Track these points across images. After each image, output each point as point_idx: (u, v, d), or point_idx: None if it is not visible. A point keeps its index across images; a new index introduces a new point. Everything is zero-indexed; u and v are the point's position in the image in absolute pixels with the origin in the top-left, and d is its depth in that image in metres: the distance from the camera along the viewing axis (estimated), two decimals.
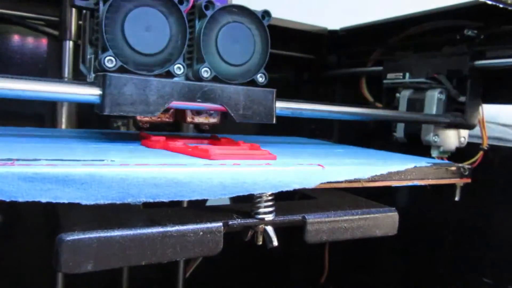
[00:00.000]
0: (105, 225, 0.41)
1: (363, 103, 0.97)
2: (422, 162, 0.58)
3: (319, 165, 0.48)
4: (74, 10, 0.85)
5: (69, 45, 0.86)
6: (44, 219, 0.80)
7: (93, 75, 0.57)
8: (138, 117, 0.57)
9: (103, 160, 0.41)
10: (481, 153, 0.77)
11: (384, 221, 0.54)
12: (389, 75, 0.89)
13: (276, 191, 0.46)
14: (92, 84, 0.52)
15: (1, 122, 0.79)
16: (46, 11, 0.86)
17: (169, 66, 0.54)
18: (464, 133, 0.81)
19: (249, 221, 0.47)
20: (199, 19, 0.57)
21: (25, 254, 0.83)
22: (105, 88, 0.50)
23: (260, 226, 0.48)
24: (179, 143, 0.54)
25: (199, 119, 0.61)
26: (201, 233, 0.44)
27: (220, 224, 0.45)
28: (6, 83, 0.47)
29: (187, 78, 0.58)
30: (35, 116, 0.87)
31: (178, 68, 0.55)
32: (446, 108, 0.79)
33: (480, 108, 0.78)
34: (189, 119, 0.60)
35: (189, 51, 0.57)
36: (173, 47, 0.55)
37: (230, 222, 0.46)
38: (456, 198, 0.61)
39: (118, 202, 0.39)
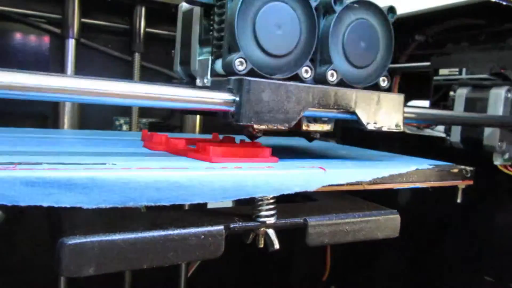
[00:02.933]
0: (106, 228, 0.41)
1: None
2: (424, 164, 0.57)
3: (320, 168, 0.48)
4: (77, 7, 0.85)
5: (71, 43, 0.86)
6: (46, 219, 0.81)
7: (209, 78, 0.52)
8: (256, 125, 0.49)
9: (105, 164, 0.41)
10: None
11: (386, 224, 0.54)
12: (442, 71, 0.80)
13: (278, 194, 0.45)
14: (223, 90, 0.47)
15: (4, 122, 0.79)
16: (48, 9, 0.86)
17: (297, 69, 0.50)
18: None
19: (251, 224, 0.47)
20: (325, 16, 0.52)
21: (27, 254, 0.84)
22: (243, 95, 0.45)
23: (262, 229, 0.48)
24: (180, 146, 0.54)
25: (314, 127, 0.55)
26: (203, 236, 0.44)
27: (221, 227, 0.45)
28: (127, 85, 0.42)
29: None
30: (38, 116, 0.87)
31: (306, 71, 0.51)
32: None
33: None
34: (304, 127, 0.54)
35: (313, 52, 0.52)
36: (302, 48, 0.50)
37: (232, 225, 0.46)
38: (458, 200, 0.61)
39: (120, 206, 0.39)
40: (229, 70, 0.47)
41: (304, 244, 0.51)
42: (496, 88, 0.70)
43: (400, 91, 0.88)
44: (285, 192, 0.45)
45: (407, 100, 0.71)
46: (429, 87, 0.84)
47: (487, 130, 0.71)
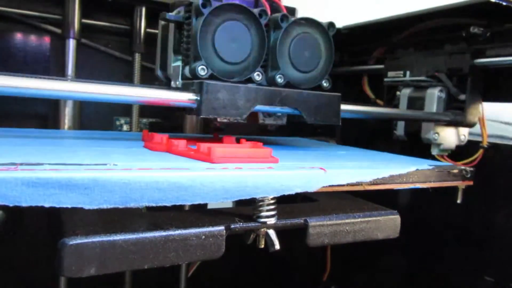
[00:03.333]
0: (107, 229, 0.41)
1: (365, 101, 0.97)
2: (424, 165, 0.58)
3: (321, 168, 0.48)
4: (77, 8, 0.85)
5: (72, 43, 0.86)
6: (47, 219, 0.81)
7: (181, 81, 0.63)
8: (219, 119, 0.60)
9: (106, 164, 0.42)
10: (481, 151, 0.77)
11: (386, 224, 0.55)
12: (390, 73, 0.89)
13: (278, 195, 0.46)
14: (188, 90, 0.58)
15: (5, 122, 0.79)
16: (48, 9, 0.86)
17: (250, 73, 0.60)
18: (464, 131, 0.81)
19: (251, 224, 0.47)
20: (274, 31, 0.62)
21: (28, 254, 0.84)
22: (202, 94, 0.56)
23: (262, 229, 0.48)
24: (181, 146, 0.54)
25: (269, 121, 0.68)
26: (203, 236, 0.44)
27: (222, 227, 0.45)
28: (94, 86, 0.52)
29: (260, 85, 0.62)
30: (39, 117, 0.87)
31: (258, 75, 0.61)
32: (446, 106, 0.79)
33: (480, 106, 0.77)
34: (260, 121, 0.67)
35: (264, 59, 0.62)
36: (254, 56, 0.61)
37: (232, 226, 0.46)
38: (458, 201, 0.61)
39: (121, 207, 0.39)
40: (194, 74, 0.57)
41: (305, 244, 0.51)
42: (431, 88, 0.80)
43: (373, 91, 0.99)
44: (286, 193, 0.46)
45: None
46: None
47: (424, 125, 0.81)
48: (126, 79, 0.91)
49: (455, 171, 0.59)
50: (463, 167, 0.60)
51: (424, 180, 0.57)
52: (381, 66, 0.92)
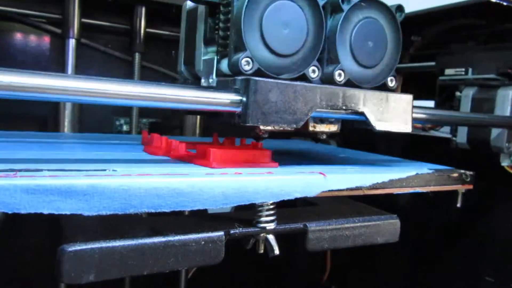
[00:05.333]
0: (107, 235, 0.41)
1: None
2: (424, 169, 0.57)
3: (320, 173, 0.48)
4: (77, 7, 0.85)
5: (72, 43, 0.86)
6: (47, 225, 0.81)
7: (215, 78, 0.51)
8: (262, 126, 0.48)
9: (105, 170, 0.41)
10: None
11: (386, 229, 0.55)
12: (448, 71, 0.79)
13: (278, 200, 0.46)
14: (231, 90, 0.46)
15: (5, 124, 0.79)
16: (48, 9, 0.86)
17: (304, 68, 0.49)
18: None
19: (251, 230, 0.47)
20: (332, 15, 0.51)
21: (27, 260, 0.84)
22: (249, 95, 0.44)
23: (262, 234, 0.48)
24: (181, 150, 0.54)
25: (320, 128, 0.54)
26: (203, 242, 0.44)
27: (221, 233, 0.45)
28: (129, 86, 0.41)
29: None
30: (38, 118, 0.87)
31: (313, 71, 0.50)
32: None
33: None
34: (310, 128, 0.53)
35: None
36: (309, 47, 0.49)
37: (232, 231, 0.46)
38: (458, 205, 0.61)
39: (120, 213, 0.39)
40: (235, 70, 0.46)
41: (304, 248, 0.51)
42: (503, 88, 0.69)
43: (402, 91, 0.85)
44: (285, 198, 0.46)
45: None
46: (431, 87, 0.83)
47: (495, 131, 0.70)
48: (127, 79, 0.91)
49: (455, 175, 0.59)
50: (462, 171, 0.60)
51: (424, 184, 0.56)
52: (420, 64, 0.85)
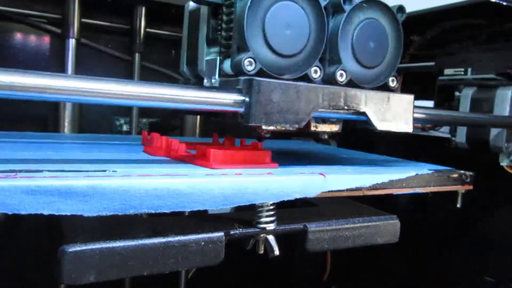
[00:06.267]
0: (107, 235, 0.41)
1: None
2: (423, 170, 0.57)
3: (320, 174, 0.48)
4: (77, 7, 0.85)
5: (71, 43, 0.86)
6: (47, 226, 0.81)
7: (217, 79, 0.52)
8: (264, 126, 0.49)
9: (105, 171, 0.42)
10: None
11: (386, 229, 0.55)
12: (447, 71, 0.79)
13: (277, 201, 0.46)
14: (234, 90, 0.46)
15: (5, 125, 0.79)
16: (48, 9, 0.86)
17: (307, 68, 0.50)
18: None
19: (251, 230, 0.47)
20: (334, 16, 0.52)
21: (27, 257, 0.84)
22: (252, 95, 0.45)
23: (262, 235, 0.48)
24: (180, 150, 0.54)
25: (322, 128, 0.54)
26: (203, 243, 0.44)
27: (221, 234, 0.45)
28: (129, 86, 0.41)
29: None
30: (38, 119, 0.87)
31: (315, 71, 0.50)
32: None
33: None
34: (312, 128, 0.53)
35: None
36: (311, 48, 0.50)
37: (232, 232, 0.46)
38: (458, 205, 0.61)
39: (120, 214, 0.39)
40: (238, 70, 0.47)
41: (304, 249, 0.51)
42: (502, 88, 0.70)
43: (402, 91, 0.87)
44: (285, 199, 0.46)
45: None
46: (430, 87, 0.84)
47: (494, 131, 0.70)
48: (127, 79, 0.91)
49: (455, 175, 0.59)
50: (462, 172, 0.60)
51: (423, 185, 0.56)
52: (420, 64, 0.85)
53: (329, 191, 0.48)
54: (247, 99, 0.45)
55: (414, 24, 0.80)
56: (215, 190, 0.42)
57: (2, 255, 0.81)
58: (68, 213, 0.37)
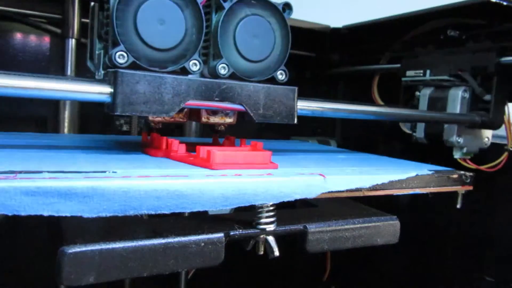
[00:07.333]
0: (107, 236, 0.41)
1: (367, 101, 0.96)
2: (423, 170, 0.57)
3: (320, 174, 0.48)
4: (77, 7, 0.85)
5: (71, 43, 0.86)
6: (46, 227, 0.81)
7: (102, 72, 0.54)
8: (150, 117, 0.53)
9: (105, 172, 0.41)
10: (506, 154, 0.74)
11: (385, 230, 0.55)
12: (409, 73, 0.85)
13: (277, 202, 0.46)
14: (102, 81, 0.48)
15: (4, 125, 0.79)
16: (48, 9, 0.86)
17: (184, 62, 0.51)
18: (488, 133, 0.78)
19: (251, 231, 0.47)
20: (216, 12, 0.54)
21: (27, 258, 0.84)
22: (117, 86, 0.47)
23: (262, 236, 0.48)
24: (180, 151, 0.54)
25: (214, 119, 0.57)
26: (203, 244, 0.44)
27: (221, 234, 0.45)
28: (6, 79, 0.44)
29: (202, 76, 0.55)
30: (37, 120, 0.87)
31: (194, 65, 0.52)
32: (470, 107, 0.75)
33: (506, 107, 0.74)
34: (204, 119, 0.57)
35: (204, 46, 0.54)
36: (189, 42, 0.51)
37: (232, 233, 0.46)
38: (458, 206, 0.61)
39: (120, 215, 0.39)
40: (112, 63, 0.48)
41: (304, 250, 0.51)
42: (454, 88, 0.76)
43: (380, 92, 0.96)
44: (285, 200, 0.46)
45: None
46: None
47: (447, 127, 0.77)
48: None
49: (455, 176, 0.59)
50: (462, 172, 0.60)
51: (423, 186, 0.56)
52: (391, 66, 0.90)
53: (329, 192, 0.48)
54: (112, 90, 0.47)
55: (392, 28, 0.89)
56: (215, 191, 0.42)
57: (2, 256, 0.81)
58: (68, 214, 0.37)
